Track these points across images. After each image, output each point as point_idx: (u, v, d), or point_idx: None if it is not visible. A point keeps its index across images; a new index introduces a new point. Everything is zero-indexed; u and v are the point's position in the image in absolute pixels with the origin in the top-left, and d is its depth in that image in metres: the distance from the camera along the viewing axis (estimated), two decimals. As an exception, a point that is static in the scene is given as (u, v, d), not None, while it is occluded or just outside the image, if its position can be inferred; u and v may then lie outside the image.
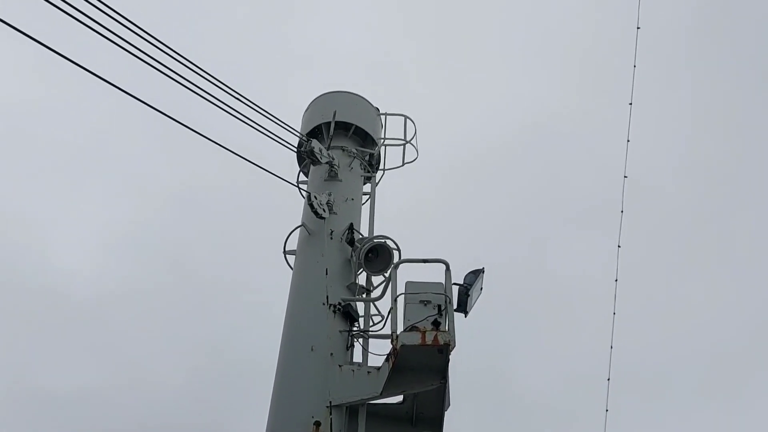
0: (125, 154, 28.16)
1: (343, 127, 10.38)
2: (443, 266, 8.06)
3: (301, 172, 10.61)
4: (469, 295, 8.31)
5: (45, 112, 28.15)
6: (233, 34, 30.76)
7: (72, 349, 25.18)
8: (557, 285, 26.89)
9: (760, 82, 29.37)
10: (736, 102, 30.27)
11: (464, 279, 8.43)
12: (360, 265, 8.91)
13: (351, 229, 9.27)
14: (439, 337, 7.28)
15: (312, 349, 7.90)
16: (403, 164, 11.22)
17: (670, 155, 28.85)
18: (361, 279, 9.14)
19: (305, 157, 9.78)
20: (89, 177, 28.46)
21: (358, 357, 8.32)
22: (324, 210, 9.04)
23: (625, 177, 13.04)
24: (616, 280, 12.47)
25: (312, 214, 8.97)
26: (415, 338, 7.28)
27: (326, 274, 8.58)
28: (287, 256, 9.46)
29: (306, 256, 9.07)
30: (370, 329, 8.67)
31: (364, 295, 9.05)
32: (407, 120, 11.33)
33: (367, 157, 10.61)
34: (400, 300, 7.78)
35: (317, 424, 7.29)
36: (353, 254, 9.00)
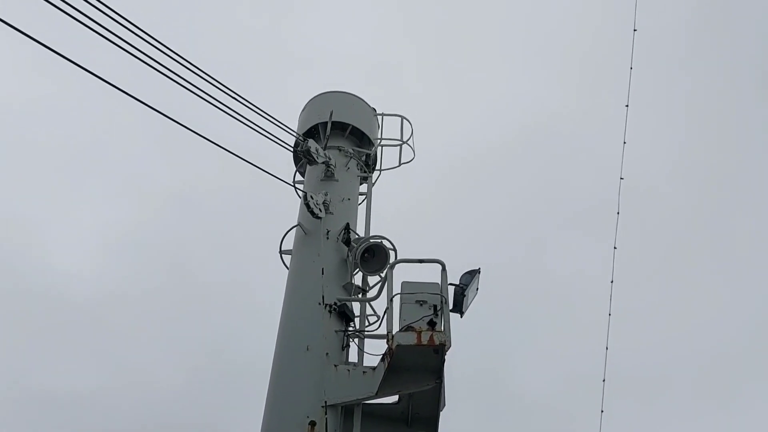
0: (125, 154, 28.21)
1: (339, 127, 10.40)
2: (439, 266, 8.05)
3: (297, 172, 10.64)
4: (465, 296, 8.33)
5: (45, 112, 28.19)
6: (233, 34, 30.80)
7: (72, 349, 25.17)
8: (555, 285, 26.93)
9: (755, 85, 29.51)
10: (731, 104, 30.38)
11: (460, 279, 8.46)
12: (356, 265, 8.93)
13: (347, 229, 9.27)
14: (434, 337, 7.28)
15: (308, 349, 7.92)
16: (400, 164, 11.27)
17: (666, 157, 28.96)
18: (357, 279, 9.15)
19: (302, 157, 9.77)
20: (89, 177, 28.48)
21: (353, 357, 8.33)
22: (320, 210, 9.05)
23: (621, 179, 13.05)
24: (612, 282, 12.47)
25: (308, 213, 8.98)
26: (410, 338, 7.29)
27: (322, 273, 8.59)
28: (283, 255, 9.48)
29: (302, 255, 9.08)
30: (366, 329, 8.68)
31: (359, 295, 9.07)
32: (404, 120, 11.37)
33: (363, 158, 10.62)
34: (396, 300, 7.76)
35: (312, 423, 7.31)
36: (349, 254, 9.01)
